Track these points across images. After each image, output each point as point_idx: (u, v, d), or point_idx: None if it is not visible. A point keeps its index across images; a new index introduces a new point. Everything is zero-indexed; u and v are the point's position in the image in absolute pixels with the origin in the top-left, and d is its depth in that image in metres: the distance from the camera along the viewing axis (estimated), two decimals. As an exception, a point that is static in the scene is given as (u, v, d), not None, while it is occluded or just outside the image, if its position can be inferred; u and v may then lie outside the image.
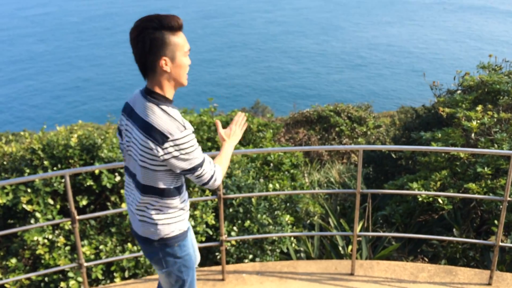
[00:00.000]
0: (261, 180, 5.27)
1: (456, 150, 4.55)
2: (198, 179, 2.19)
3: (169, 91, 2.16)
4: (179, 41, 2.07)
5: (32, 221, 3.90)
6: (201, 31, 42.60)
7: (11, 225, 4.02)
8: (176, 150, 2.06)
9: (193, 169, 2.15)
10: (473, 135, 5.14)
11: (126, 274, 4.00)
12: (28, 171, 4.13)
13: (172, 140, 2.05)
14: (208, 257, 4.42)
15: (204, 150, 5.79)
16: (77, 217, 3.29)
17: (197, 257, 2.69)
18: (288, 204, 5.30)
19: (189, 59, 2.16)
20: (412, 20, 46.64)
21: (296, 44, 39.66)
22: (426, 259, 5.46)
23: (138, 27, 2.03)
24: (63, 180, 4.06)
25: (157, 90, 2.13)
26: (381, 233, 4.30)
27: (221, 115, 8.57)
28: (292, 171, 5.86)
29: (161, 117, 2.07)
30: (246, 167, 5.20)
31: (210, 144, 5.95)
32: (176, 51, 2.08)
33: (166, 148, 2.05)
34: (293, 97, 27.76)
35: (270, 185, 5.07)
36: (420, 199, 4.82)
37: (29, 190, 3.96)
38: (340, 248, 5.15)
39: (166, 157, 2.07)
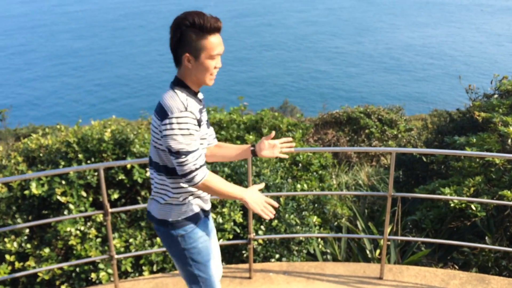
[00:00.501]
0: (289, 180, 5.27)
1: (492, 156, 4.45)
2: (179, 167, 2.15)
3: (191, 85, 2.23)
4: (206, 43, 2.11)
5: (66, 212, 4.00)
6: (233, 29, 42.73)
7: (45, 215, 4.13)
8: (171, 128, 2.10)
9: (177, 153, 2.12)
10: (509, 141, 5.01)
11: (155, 268, 4.06)
12: (63, 163, 4.23)
13: (170, 118, 2.09)
14: (235, 255, 4.44)
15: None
16: (110, 210, 3.35)
17: (218, 268, 2.64)
18: (316, 205, 5.28)
19: (219, 62, 2.19)
20: (449, 22, 45.67)
21: (328, 44, 39.38)
22: (457, 267, 5.35)
23: (176, 20, 2.12)
24: (96, 174, 4.15)
25: (185, 79, 2.22)
26: (412, 238, 4.23)
27: (250, 113, 8.60)
28: (320, 172, 5.84)
29: (169, 97, 2.15)
30: (274, 167, 5.21)
31: (240, 142, 5.98)
32: (201, 52, 2.12)
33: (165, 124, 2.10)
34: (323, 98, 27.58)
35: (298, 186, 5.06)
36: (452, 205, 4.73)
37: (63, 182, 4.06)
38: (368, 252, 5.09)
39: (163, 133, 2.13)
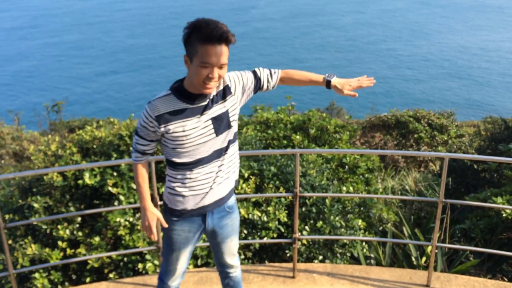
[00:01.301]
0: (335, 182, 5.22)
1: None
2: None
3: (189, 86, 2.34)
4: (200, 49, 2.20)
5: (116, 203, 4.13)
6: (287, 30, 42.57)
7: (96, 205, 4.27)
8: None
9: (135, 129, 2.50)
10: None
11: (199, 262, 4.12)
12: (115, 155, 4.36)
13: None
14: (278, 254, 4.44)
15: (279, 147, 5.83)
16: (159, 203, 3.43)
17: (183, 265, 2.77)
18: (361, 208, 5.21)
19: (214, 73, 2.24)
20: (508, 25, 43.86)
21: (381, 46, 38.65)
22: (506, 279, 5.15)
23: (190, 22, 2.24)
24: (146, 167, 4.25)
25: (185, 79, 2.38)
26: (461, 246, 4.11)
27: (297, 113, 8.57)
28: (367, 175, 5.75)
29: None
30: (320, 168, 5.17)
31: (286, 142, 5.98)
32: (194, 56, 2.23)
33: None
34: (371, 100, 27.12)
35: (344, 188, 5.00)
36: (504, 215, 4.56)
37: (115, 173, 4.18)
38: (413, 259, 4.99)
39: None
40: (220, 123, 2.40)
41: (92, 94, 30.02)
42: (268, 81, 2.58)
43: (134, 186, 4.20)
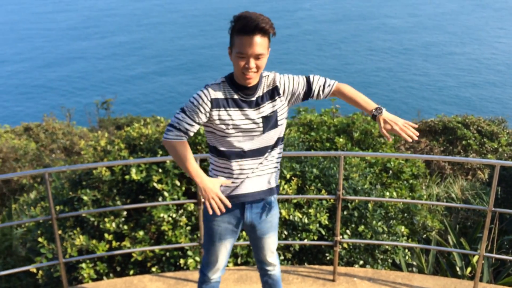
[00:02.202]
0: (378, 187, 5.15)
1: None
2: None
3: (236, 77, 2.42)
4: (236, 40, 2.29)
5: (160, 199, 4.23)
6: (336, 33, 42.15)
7: (141, 200, 4.39)
8: None
9: (180, 108, 2.45)
10: None
11: (239, 260, 4.17)
12: (161, 152, 4.47)
13: None
14: (317, 257, 4.43)
15: (322, 150, 5.80)
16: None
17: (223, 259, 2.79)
18: (405, 214, 5.12)
19: (251, 63, 2.29)
20: None
21: (433, 49, 37.65)
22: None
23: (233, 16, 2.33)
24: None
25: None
26: (510, 257, 3.96)
27: (340, 116, 8.50)
28: (411, 181, 5.64)
29: None
30: (364, 172, 5.12)
31: (329, 144, 5.94)
32: (232, 48, 2.33)
33: None
34: (417, 105, 26.48)
35: (387, 193, 4.93)
36: (557, 227, 4.37)
37: (160, 170, 4.29)
38: (458, 268, 4.85)
39: None
40: (268, 122, 2.46)
41: (138, 95, 30.73)
42: (319, 91, 2.58)
43: (178, 183, 4.30)
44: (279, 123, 2.50)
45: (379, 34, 41.52)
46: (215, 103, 2.39)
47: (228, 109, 2.40)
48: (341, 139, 5.70)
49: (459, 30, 42.38)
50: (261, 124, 2.44)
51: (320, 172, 4.63)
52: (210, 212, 2.41)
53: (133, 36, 42.68)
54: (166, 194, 4.22)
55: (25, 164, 9.10)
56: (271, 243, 2.79)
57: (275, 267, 2.92)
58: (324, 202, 4.39)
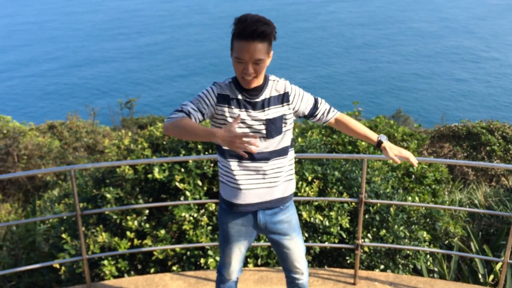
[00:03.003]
0: (400, 191, 5.10)
1: None
2: None
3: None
4: (234, 44, 2.28)
5: (182, 198, 4.27)
6: (360, 36, 41.83)
7: (163, 199, 4.43)
8: None
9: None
10: None
11: (259, 261, 4.17)
12: (183, 152, 4.51)
13: None
14: (338, 260, 4.41)
15: (344, 153, 5.77)
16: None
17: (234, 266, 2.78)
18: (427, 219, 5.06)
19: (248, 69, 2.28)
20: None
21: (456, 54, 37.10)
22: None
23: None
24: (212, 165, 4.37)
25: None
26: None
27: (363, 119, 8.44)
28: (434, 186, 5.57)
29: None
30: (386, 176, 5.08)
31: (351, 147, 5.91)
32: (232, 51, 2.32)
33: None
34: (441, 109, 26.13)
35: (409, 198, 4.88)
36: None
37: (182, 170, 4.32)
38: (480, 276, 4.78)
39: None
40: (273, 125, 2.42)
41: (159, 97, 30.99)
42: (322, 115, 2.63)
43: (200, 183, 4.33)
44: (283, 129, 2.46)
45: (406, 37, 41.08)
46: (221, 99, 2.39)
47: (232, 107, 2.39)
48: (363, 143, 5.66)
49: (487, 34, 41.67)
50: (265, 127, 2.41)
51: (342, 175, 4.61)
52: (254, 150, 2.12)
53: (159, 37, 43.10)
54: (188, 193, 4.25)
55: (49, 161, 9.28)
56: (294, 246, 2.68)
57: (303, 276, 2.81)
58: (345, 205, 4.37)
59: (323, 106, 2.62)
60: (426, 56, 36.43)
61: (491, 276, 4.69)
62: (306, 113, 2.56)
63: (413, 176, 5.51)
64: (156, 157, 4.64)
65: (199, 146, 4.50)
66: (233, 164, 2.46)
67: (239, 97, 2.40)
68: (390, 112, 21.33)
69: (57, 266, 4.39)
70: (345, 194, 4.41)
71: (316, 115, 2.60)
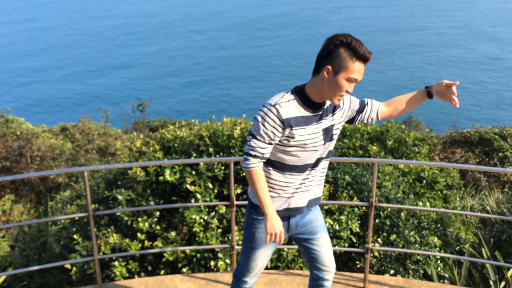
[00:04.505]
0: (411, 196, 5.08)
1: None
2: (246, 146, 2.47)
3: (313, 95, 2.39)
4: (350, 64, 2.26)
5: (193, 200, 4.29)
6: (386, 43, 41.65)
7: (174, 201, 4.46)
8: (258, 115, 2.39)
9: (250, 134, 2.43)
10: None
11: (269, 264, 4.18)
12: (194, 155, 4.54)
13: (263, 106, 2.39)
14: (347, 264, 4.40)
15: (355, 157, 5.77)
16: (235, 202, 3.53)
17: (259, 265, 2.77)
18: (438, 225, 5.03)
19: (351, 88, 2.31)
20: None
21: (472, 55, 36.75)
22: None
23: (335, 35, 2.30)
24: (223, 168, 4.39)
25: (307, 87, 2.41)
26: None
27: (374, 124, 8.42)
28: (445, 191, 5.54)
29: (278, 94, 2.45)
30: (397, 180, 5.06)
31: (362, 152, 5.90)
32: (342, 70, 2.27)
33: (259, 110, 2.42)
34: (453, 114, 25.95)
35: (420, 203, 4.86)
36: None
37: (193, 172, 4.35)
38: (491, 282, 4.74)
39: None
40: (328, 135, 2.48)
41: (170, 102, 31.13)
42: (372, 106, 2.66)
43: (211, 185, 4.35)
44: (333, 136, 2.53)
45: (420, 43, 40.86)
46: (287, 123, 2.35)
47: (299, 127, 2.38)
48: (374, 147, 5.65)
49: (500, 39, 41.30)
50: (322, 139, 2.46)
51: (352, 179, 4.61)
52: (267, 241, 2.45)
53: (174, 43, 43.33)
54: (198, 196, 4.27)
55: (61, 163, 9.36)
56: (323, 244, 2.73)
57: (332, 275, 2.84)
58: (355, 209, 4.36)
59: (368, 100, 2.68)
60: (438, 62, 36.20)
61: (503, 283, 4.65)
62: (356, 109, 2.62)
63: (424, 181, 5.49)
64: (167, 159, 4.67)
65: (210, 149, 4.52)
66: (295, 176, 2.50)
67: (307, 114, 2.40)
68: (402, 117, 21.23)
69: (69, 266, 4.43)
70: (355, 198, 4.41)
71: (366, 110, 2.64)
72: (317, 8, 53.80)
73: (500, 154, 9.96)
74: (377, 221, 4.35)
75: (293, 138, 2.37)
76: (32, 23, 51.24)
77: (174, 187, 4.49)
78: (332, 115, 2.50)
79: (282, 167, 2.48)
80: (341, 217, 4.27)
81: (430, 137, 6.90)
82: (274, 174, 2.50)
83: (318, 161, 2.52)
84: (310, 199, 2.60)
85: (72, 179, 9.01)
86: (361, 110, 2.64)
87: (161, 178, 4.34)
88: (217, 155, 4.54)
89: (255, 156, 2.41)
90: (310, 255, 2.74)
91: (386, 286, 3.74)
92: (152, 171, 4.47)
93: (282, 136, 2.38)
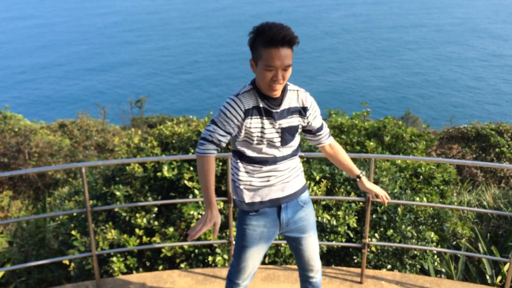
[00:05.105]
0: (408, 192, 5.11)
1: None
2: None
3: (260, 88, 2.41)
4: (263, 52, 2.26)
5: (190, 196, 4.30)
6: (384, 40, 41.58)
7: (172, 197, 4.47)
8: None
9: (210, 121, 2.46)
10: None
11: (266, 260, 4.20)
12: (192, 151, 4.55)
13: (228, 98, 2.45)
14: (345, 259, 4.43)
15: (352, 153, 5.78)
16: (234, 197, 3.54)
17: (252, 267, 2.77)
18: (435, 220, 5.06)
19: (278, 76, 2.29)
20: None
21: (470, 52, 36.77)
22: None
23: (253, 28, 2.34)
24: (220, 164, 4.40)
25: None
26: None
27: (371, 120, 8.44)
28: (442, 187, 5.56)
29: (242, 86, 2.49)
30: (394, 176, 5.08)
31: (359, 148, 5.92)
32: (258, 59, 2.30)
33: None
34: (451, 111, 25.98)
35: (417, 198, 4.88)
36: None
37: (191, 168, 4.36)
38: (488, 277, 4.77)
39: None
40: (287, 135, 2.49)
41: (168, 97, 31.10)
42: (323, 137, 2.71)
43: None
44: (295, 137, 2.55)
45: (421, 40, 40.83)
46: (248, 113, 2.40)
47: (258, 117, 2.41)
48: (371, 143, 5.67)
49: (498, 35, 41.34)
50: (280, 135, 2.48)
51: (349, 174, 4.63)
52: (190, 238, 2.37)
53: (174, 41, 43.23)
54: (196, 191, 4.29)
55: (60, 159, 9.37)
56: (310, 244, 2.76)
57: (317, 274, 2.86)
58: (353, 204, 4.38)
59: (326, 129, 2.71)
60: (438, 58, 36.23)
61: (499, 277, 4.68)
62: (312, 130, 2.65)
63: (421, 176, 5.51)
64: (165, 155, 4.68)
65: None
66: (251, 167, 2.52)
67: (261, 105, 2.42)
68: (399, 113, 21.27)
69: (67, 262, 4.45)
70: (352, 193, 4.43)
71: (319, 136, 2.69)
72: (316, 5, 53.78)
73: (497, 149, 10.00)
74: (374, 216, 4.37)
75: (250, 128, 2.41)
76: (30, 20, 51.12)
77: (172, 183, 4.51)
78: (296, 117, 2.51)
79: (246, 159, 2.51)
80: (339, 213, 4.30)
81: (427, 133, 6.93)
82: (240, 166, 2.54)
83: (281, 158, 2.53)
84: (287, 194, 2.61)
85: (70, 175, 9.01)
86: (313, 133, 2.67)
87: (159, 174, 4.35)
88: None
89: (211, 142, 2.42)
90: (297, 252, 2.78)
91: (382, 281, 3.77)
92: (150, 167, 4.49)
93: (241, 126, 2.41)
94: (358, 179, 2.85)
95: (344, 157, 2.79)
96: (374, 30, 43.93)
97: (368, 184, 2.86)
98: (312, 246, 2.76)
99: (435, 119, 23.57)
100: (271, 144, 2.48)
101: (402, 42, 40.14)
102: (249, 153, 2.49)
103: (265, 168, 2.52)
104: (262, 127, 2.43)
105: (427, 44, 39.60)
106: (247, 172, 2.55)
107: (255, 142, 2.46)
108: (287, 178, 2.59)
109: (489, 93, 29.55)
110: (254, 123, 2.42)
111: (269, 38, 2.23)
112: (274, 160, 2.52)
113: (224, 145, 2.46)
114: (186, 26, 47.99)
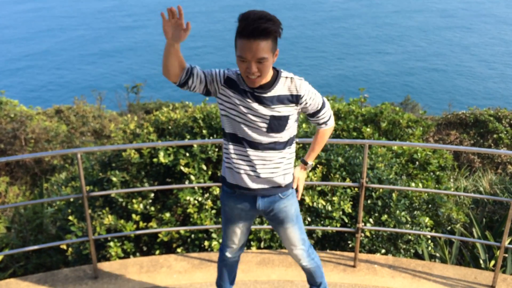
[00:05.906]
0: (404, 177, 5.13)
1: None
2: None
3: None
4: (237, 44, 2.22)
5: (187, 182, 4.33)
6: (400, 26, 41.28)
7: (168, 183, 4.49)
8: None
9: None
10: None
11: (262, 244, 4.24)
12: (188, 137, 4.56)
13: None
14: (340, 244, 4.46)
15: (349, 139, 5.80)
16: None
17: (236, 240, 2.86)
18: (430, 205, 5.09)
19: (251, 68, 2.22)
20: None
21: (466, 40, 36.60)
22: None
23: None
24: (217, 150, 4.42)
25: None
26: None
27: (369, 106, 8.44)
28: (438, 173, 5.59)
29: None
30: (389, 162, 5.10)
31: (356, 134, 5.94)
32: (235, 50, 2.26)
33: None
34: (449, 97, 25.95)
35: (413, 184, 4.91)
36: None
37: (187, 154, 4.38)
38: (481, 261, 4.82)
39: None
40: (276, 123, 2.40)
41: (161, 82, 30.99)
42: (319, 120, 2.63)
43: (204, 167, 4.38)
44: (286, 127, 2.44)
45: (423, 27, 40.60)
46: (229, 82, 2.38)
47: (234, 94, 2.37)
48: (368, 129, 5.68)
49: (497, 22, 41.14)
50: (268, 123, 2.40)
51: (345, 161, 4.65)
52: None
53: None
54: (192, 177, 4.31)
55: (56, 145, 9.37)
56: (290, 235, 2.73)
57: (302, 261, 2.87)
58: (348, 190, 4.41)
59: (326, 113, 2.60)
60: (438, 43, 36.07)
61: (492, 262, 4.73)
62: (308, 114, 2.57)
63: (417, 162, 5.53)
64: (161, 141, 4.69)
65: (204, 131, 4.55)
66: (234, 148, 2.49)
67: (247, 89, 2.37)
68: (399, 99, 21.24)
69: (64, 247, 4.48)
70: (348, 179, 4.45)
71: (316, 119, 2.60)
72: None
73: (495, 135, 10.02)
74: (369, 201, 4.40)
75: (227, 99, 2.40)
76: (26, 5, 50.68)
77: (168, 169, 4.53)
78: (288, 106, 2.41)
79: (225, 136, 2.52)
80: (334, 198, 4.32)
81: (424, 118, 6.93)
82: (224, 143, 2.56)
83: (258, 144, 2.45)
84: (260, 187, 2.55)
85: (67, 161, 9.03)
86: (311, 115, 2.57)
87: (155, 160, 4.37)
88: (211, 137, 4.56)
89: (194, 66, 2.40)
90: (282, 241, 2.84)
91: (375, 265, 3.81)
92: (146, 153, 4.50)
93: (219, 89, 2.40)
94: (301, 163, 2.80)
95: (313, 141, 2.76)
96: (377, 14, 43.62)
97: (298, 173, 2.77)
98: (291, 237, 2.74)
99: (436, 105, 23.55)
100: (252, 127, 2.41)
101: (405, 28, 39.90)
102: (228, 129, 2.48)
103: (246, 151, 2.46)
104: (241, 106, 2.38)
105: (431, 29, 39.38)
106: (226, 151, 2.54)
107: (233, 118, 2.43)
108: (260, 169, 2.50)
109: (488, 78, 29.48)
110: (231, 97, 2.39)
111: (241, 29, 2.17)
112: (247, 144, 2.45)
113: (199, 74, 2.38)
114: (186, 11, 47.58)
